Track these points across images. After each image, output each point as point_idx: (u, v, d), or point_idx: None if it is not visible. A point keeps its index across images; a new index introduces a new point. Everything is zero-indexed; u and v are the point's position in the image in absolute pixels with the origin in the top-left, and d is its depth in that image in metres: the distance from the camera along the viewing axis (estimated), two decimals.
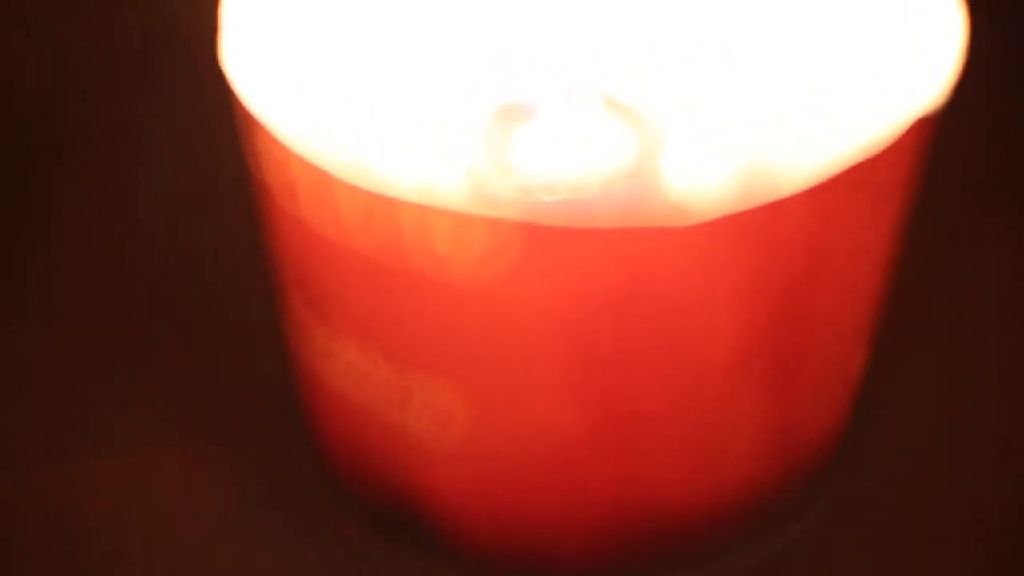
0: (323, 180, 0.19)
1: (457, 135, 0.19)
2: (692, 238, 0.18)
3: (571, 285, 0.19)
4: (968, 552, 0.23)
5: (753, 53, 0.20)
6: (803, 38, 0.20)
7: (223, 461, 0.25)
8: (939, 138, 0.31)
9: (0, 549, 0.23)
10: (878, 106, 0.19)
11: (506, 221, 0.18)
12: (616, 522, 0.22)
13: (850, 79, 0.20)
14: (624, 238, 0.18)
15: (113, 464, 0.25)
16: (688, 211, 0.18)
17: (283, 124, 0.19)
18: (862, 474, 0.24)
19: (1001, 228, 0.29)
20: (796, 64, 0.20)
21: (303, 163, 0.19)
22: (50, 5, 0.34)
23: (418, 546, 0.23)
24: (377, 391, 0.21)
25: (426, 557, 0.23)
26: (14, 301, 0.27)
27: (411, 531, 0.22)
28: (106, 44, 0.33)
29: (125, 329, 0.27)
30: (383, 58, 0.20)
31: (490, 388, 0.20)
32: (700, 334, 0.20)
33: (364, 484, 0.23)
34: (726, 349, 0.20)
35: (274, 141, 0.19)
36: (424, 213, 0.18)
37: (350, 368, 0.21)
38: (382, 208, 0.19)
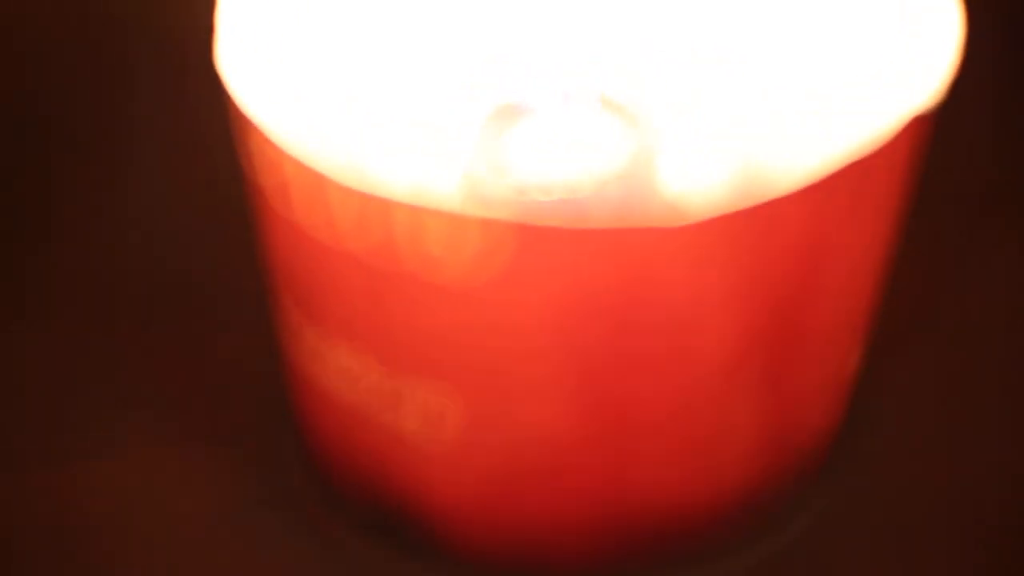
0: (317, 182, 0.19)
1: (452, 136, 0.19)
2: (688, 238, 0.18)
3: (566, 286, 0.19)
4: (966, 553, 0.23)
5: (749, 51, 0.20)
6: (799, 38, 0.20)
7: (215, 462, 0.25)
8: (937, 138, 0.31)
9: (4, 549, 0.23)
10: (874, 105, 0.19)
11: (501, 222, 0.18)
12: (611, 524, 0.22)
13: (846, 78, 0.20)
14: (619, 238, 0.18)
15: (106, 464, 0.25)
16: (684, 211, 0.18)
17: (277, 126, 0.19)
18: (857, 475, 0.24)
19: (999, 228, 0.29)
20: (792, 64, 0.20)
21: (297, 165, 0.19)
22: (47, 6, 0.34)
23: (411, 549, 0.23)
24: (369, 394, 0.21)
25: (419, 560, 0.23)
26: (12, 301, 0.27)
27: (404, 534, 0.22)
28: (102, 46, 0.33)
29: (119, 330, 0.27)
30: (378, 60, 0.20)
31: (484, 391, 0.20)
32: (696, 335, 0.20)
33: (357, 486, 0.23)
34: (722, 350, 0.20)
35: (268, 143, 0.19)
36: (418, 214, 0.18)
37: (342, 371, 0.21)
38: (376, 210, 0.19)
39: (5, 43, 0.33)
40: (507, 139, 0.19)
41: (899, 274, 0.28)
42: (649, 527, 0.22)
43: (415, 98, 0.20)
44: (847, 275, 0.20)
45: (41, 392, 0.26)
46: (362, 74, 0.20)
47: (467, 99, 0.20)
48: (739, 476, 0.22)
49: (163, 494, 0.24)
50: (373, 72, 0.20)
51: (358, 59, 0.20)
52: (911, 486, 0.24)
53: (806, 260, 0.20)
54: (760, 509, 0.22)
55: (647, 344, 0.19)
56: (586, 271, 0.19)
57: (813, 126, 0.19)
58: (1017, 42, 0.33)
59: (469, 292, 0.19)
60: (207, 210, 0.29)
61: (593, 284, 0.19)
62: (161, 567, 0.23)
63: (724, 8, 0.21)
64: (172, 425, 0.25)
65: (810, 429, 0.22)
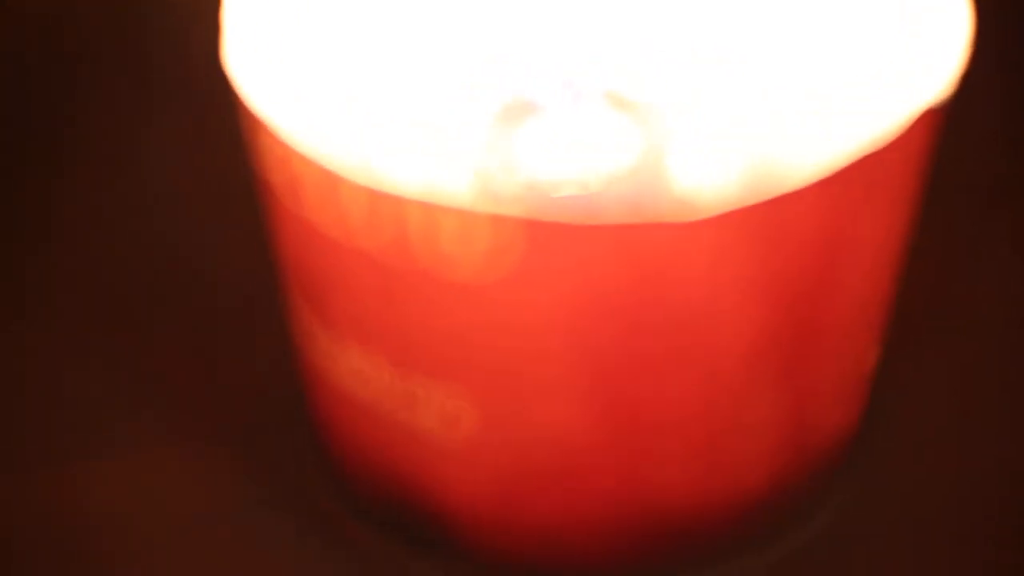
0: (328, 179, 0.19)
1: (462, 133, 0.19)
2: (700, 233, 0.18)
3: (579, 282, 0.19)
4: (983, 549, 0.23)
5: (757, 48, 0.20)
6: (809, 32, 0.20)
7: (229, 461, 0.25)
8: (949, 132, 0.31)
9: (4, 549, 0.23)
10: (885, 99, 0.19)
11: (512, 218, 0.18)
12: (627, 524, 0.22)
13: (857, 72, 0.20)
14: (631, 234, 0.18)
15: (118, 464, 0.25)
16: (696, 206, 0.18)
17: (286, 124, 0.19)
18: (876, 472, 0.24)
19: (1011, 222, 0.29)
20: (802, 58, 0.20)
21: (307, 162, 0.19)
22: (52, 5, 0.34)
23: (425, 547, 0.23)
24: (383, 394, 0.21)
25: (433, 558, 0.23)
26: (22, 299, 0.27)
27: (418, 532, 0.22)
28: (108, 44, 0.33)
29: (131, 329, 0.27)
30: (386, 57, 0.20)
31: (497, 391, 0.20)
32: (712, 332, 0.20)
33: (371, 485, 0.23)
34: (739, 347, 0.20)
35: (277, 141, 0.19)
36: (430, 211, 0.18)
37: (355, 371, 0.21)
38: (387, 207, 0.19)
39: (8, 42, 0.33)
40: (518, 135, 0.19)
41: (912, 269, 0.28)
42: (665, 526, 0.22)
43: (424, 95, 0.20)
44: (862, 270, 0.20)
45: (49, 390, 0.26)
46: (370, 71, 0.20)
47: (476, 96, 0.20)
48: (756, 474, 0.22)
49: (175, 493, 0.24)
50: (381, 69, 0.20)
51: (365, 56, 0.20)
52: (930, 482, 0.24)
53: (821, 255, 0.20)
54: (778, 507, 0.22)
55: (662, 342, 0.19)
56: (598, 267, 0.19)
57: (824, 120, 0.19)
58: None
59: (481, 289, 0.19)
60: (218, 209, 0.29)
61: (606, 280, 0.19)
62: (174, 566, 0.23)
63: (729, 5, 0.21)
64: (185, 424, 0.25)
65: (828, 426, 0.22)
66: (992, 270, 0.28)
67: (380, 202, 0.19)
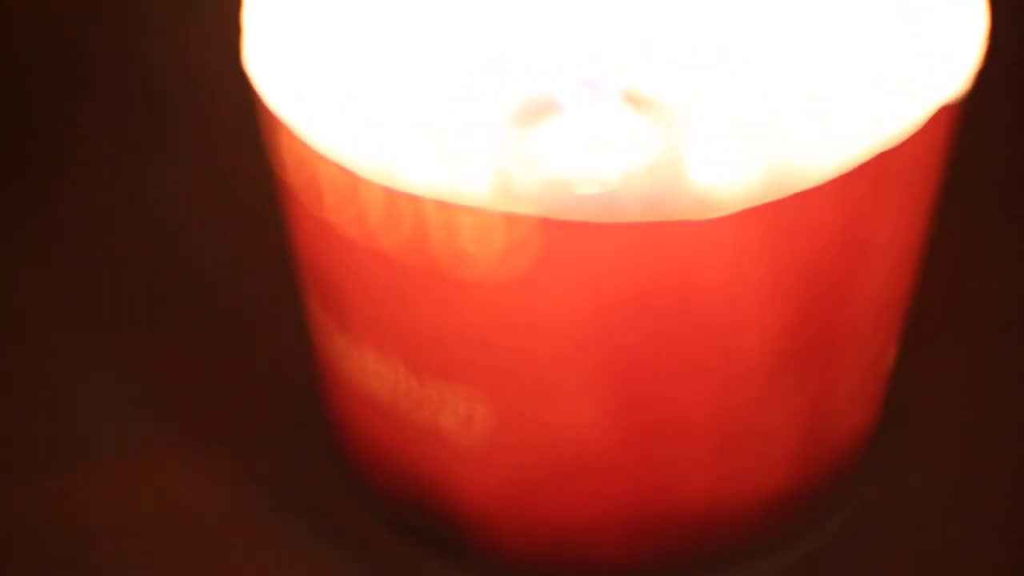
0: (346, 178, 0.19)
1: (480, 132, 0.19)
2: (719, 231, 0.18)
3: (596, 281, 0.19)
4: (1001, 549, 0.23)
5: (775, 47, 0.20)
6: (827, 30, 0.20)
7: (244, 461, 0.25)
8: (966, 128, 0.31)
9: (18, 551, 0.23)
10: (903, 95, 0.19)
11: (531, 217, 0.18)
12: (645, 525, 0.21)
13: (874, 69, 0.20)
14: (649, 232, 0.18)
15: (134, 464, 0.25)
16: (714, 203, 0.18)
17: (305, 124, 0.19)
18: (892, 473, 0.24)
19: None
20: (821, 55, 0.20)
21: (326, 162, 0.19)
22: (68, 4, 0.34)
23: (443, 548, 0.23)
24: (399, 396, 0.21)
25: (450, 559, 0.23)
26: (40, 297, 0.28)
27: (436, 533, 0.22)
28: (127, 45, 0.33)
29: (147, 329, 0.27)
30: (405, 57, 0.20)
31: (513, 391, 0.20)
32: (731, 331, 0.20)
33: (387, 485, 0.23)
34: (756, 346, 0.20)
35: (297, 140, 0.19)
36: (449, 210, 0.18)
37: (372, 374, 0.21)
38: (406, 206, 0.19)
39: (21, 39, 0.33)
40: (535, 134, 0.19)
41: (930, 267, 0.28)
42: (681, 527, 0.22)
43: (442, 94, 0.20)
44: (880, 268, 0.20)
45: (64, 392, 0.26)
46: (388, 71, 0.20)
47: (494, 95, 0.20)
48: (774, 474, 0.22)
49: (189, 493, 0.24)
50: (399, 69, 0.20)
51: (384, 57, 0.20)
52: (947, 482, 0.24)
53: (839, 253, 0.20)
54: (795, 507, 0.22)
55: (680, 341, 0.19)
56: (616, 265, 0.19)
57: (842, 117, 0.19)
58: None
59: (499, 289, 0.19)
60: (235, 210, 0.29)
61: (624, 279, 0.19)
62: (188, 567, 0.23)
63: (747, 4, 0.21)
64: (200, 424, 0.25)
65: (846, 426, 0.22)
66: (1010, 268, 0.28)
67: (398, 201, 0.19)
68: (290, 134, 0.20)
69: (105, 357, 0.27)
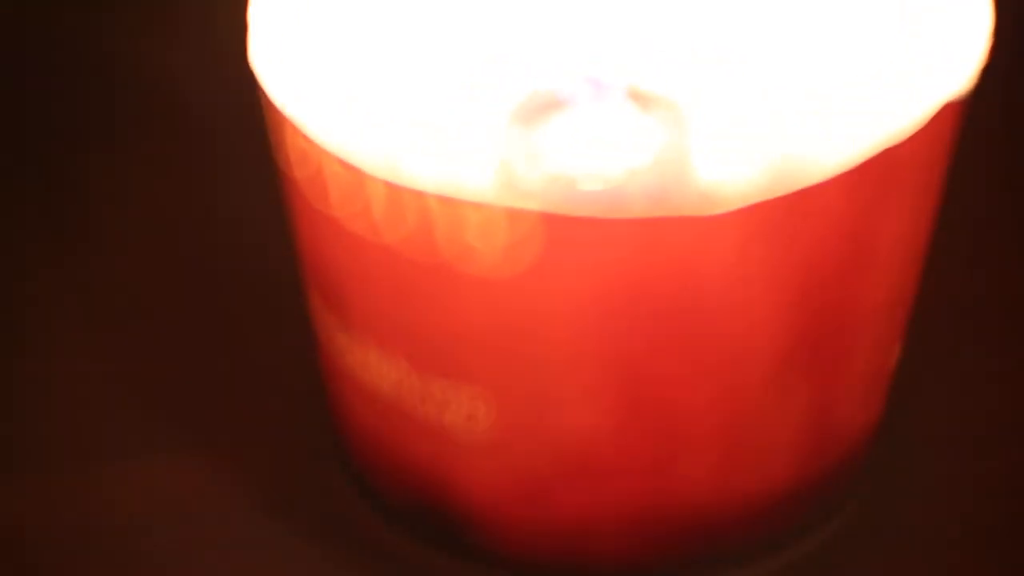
0: (351, 174, 0.19)
1: (484, 128, 0.19)
2: (723, 227, 0.18)
3: (601, 277, 0.19)
4: (1005, 547, 0.23)
5: (779, 44, 0.20)
6: (832, 27, 0.20)
7: (248, 459, 0.25)
8: (970, 126, 0.31)
9: (28, 552, 0.23)
10: (907, 91, 0.19)
11: (535, 212, 0.18)
12: (651, 522, 0.21)
13: (878, 66, 0.20)
14: (654, 228, 0.18)
15: (136, 464, 0.25)
16: (718, 199, 0.18)
17: (311, 119, 0.19)
18: (896, 471, 0.24)
19: None
20: (825, 53, 0.20)
21: (331, 157, 0.19)
22: (72, 3, 0.34)
23: (447, 545, 0.23)
24: (402, 393, 0.21)
25: (457, 557, 0.23)
26: (46, 298, 0.28)
27: (441, 531, 0.22)
28: (132, 42, 0.33)
29: (150, 326, 0.27)
30: (410, 53, 0.20)
31: (517, 388, 0.20)
32: (734, 328, 0.20)
33: (392, 483, 0.23)
34: (762, 343, 0.20)
35: (302, 136, 0.19)
36: (454, 205, 0.18)
37: (376, 372, 0.21)
38: (410, 201, 0.19)
39: (33, 37, 0.33)
40: (540, 130, 0.19)
41: (934, 265, 0.28)
42: (687, 524, 0.22)
43: (447, 90, 0.20)
44: (886, 264, 0.20)
45: (70, 391, 0.26)
46: (393, 67, 0.20)
47: (499, 91, 0.20)
48: (779, 472, 0.22)
49: (194, 493, 0.24)
50: (404, 65, 0.20)
51: (389, 53, 0.20)
52: (951, 480, 0.24)
53: (844, 249, 0.20)
54: (801, 505, 0.22)
55: (685, 338, 0.19)
56: (621, 261, 0.19)
57: (846, 114, 0.19)
58: None
59: (503, 284, 0.19)
60: (239, 206, 0.29)
61: (628, 274, 0.19)
62: (194, 567, 0.23)
63: (750, 2, 0.21)
64: (205, 423, 0.25)
65: (850, 424, 0.22)
66: (1015, 266, 0.28)
67: (403, 196, 0.19)
68: (295, 130, 0.20)
69: (107, 355, 0.27)
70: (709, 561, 0.22)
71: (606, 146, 0.19)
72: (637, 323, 0.19)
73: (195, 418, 0.25)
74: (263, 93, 0.21)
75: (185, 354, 0.26)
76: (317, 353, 0.24)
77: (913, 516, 0.23)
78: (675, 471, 0.21)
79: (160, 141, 0.31)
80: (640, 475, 0.21)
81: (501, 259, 0.19)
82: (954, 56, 0.20)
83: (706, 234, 0.18)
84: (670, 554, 0.22)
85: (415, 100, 0.19)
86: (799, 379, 0.21)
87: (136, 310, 0.27)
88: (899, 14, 0.21)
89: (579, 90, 0.20)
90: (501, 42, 0.20)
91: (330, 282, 0.21)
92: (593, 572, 0.22)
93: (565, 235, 0.18)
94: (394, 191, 0.19)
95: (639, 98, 0.19)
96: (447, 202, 0.18)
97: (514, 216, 0.18)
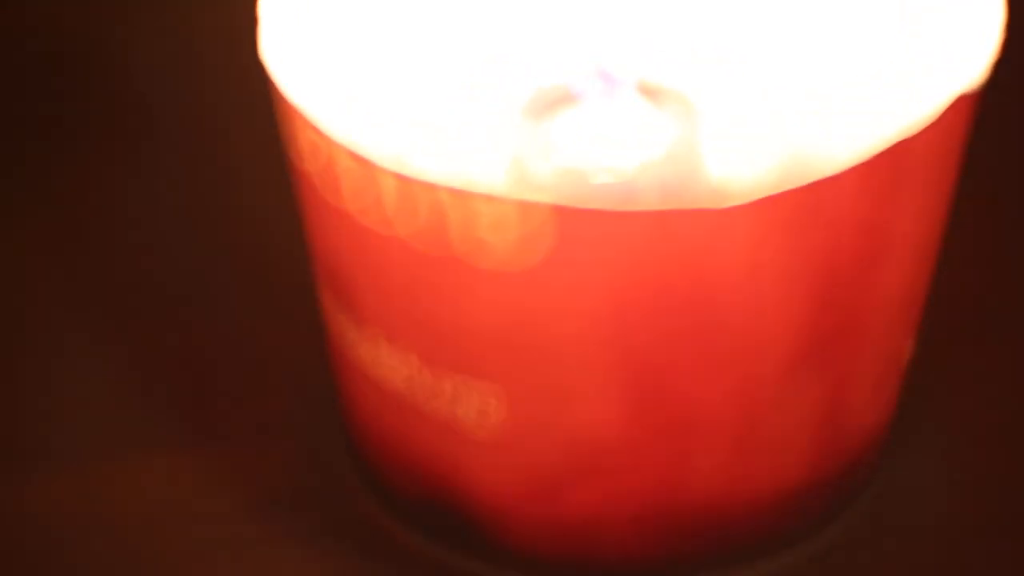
0: (363, 166, 0.19)
1: (497, 121, 0.19)
2: (735, 220, 0.18)
3: (613, 270, 0.19)
4: (1017, 546, 0.23)
5: (792, 37, 0.20)
6: (844, 20, 0.20)
7: (258, 456, 0.25)
8: (984, 119, 0.30)
9: (31, 552, 0.24)
10: (920, 85, 0.19)
11: (547, 205, 0.18)
12: (662, 519, 0.21)
13: (891, 59, 0.20)
14: (666, 221, 0.18)
15: (146, 461, 0.25)
16: (730, 192, 0.18)
17: (322, 113, 0.19)
18: (908, 468, 0.24)
19: None
20: (838, 45, 0.20)
21: (342, 149, 0.19)
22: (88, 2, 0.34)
23: (458, 542, 0.23)
24: (412, 389, 0.21)
25: (466, 554, 0.23)
26: (48, 295, 0.28)
27: (451, 528, 0.22)
28: (144, 35, 0.33)
29: (159, 322, 0.27)
30: (422, 45, 0.20)
31: (529, 384, 0.20)
32: (747, 323, 0.20)
33: (403, 480, 0.23)
34: (775, 337, 0.20)
35: (314, 129, 0.19)
36: (465, 198, 0.18)
37: (385, 367, 0.21)
38: (422, 193, 0.19)
39: (39, 32, 0.33)
40: (553, 123, 0.19)
41: (947, 260, 0.28)
42: (699, 522, 0.22)
43: (459, 83, 0.20)
44: (898, 259, 0.20)
45: (74, 386, 0.26)
46: (405, 60, 0.20)
47: (511, 84, 0.20)
48: (791, 469, 0.22)
49: (204, 490, 0.24)
50: (416, 58, 0.20)
51: (401, 45, 0.20)
52: (964, 478, 0.24)
53: (856, 243, 0.19)
54: (812, 503, 0.22)
55: (697, 332, 0.19)
56: (632, 254, 0.19)
57: (858, 107, 0.19)
58: None
59: (514, 278, 0.19)
60: (250, 201, 0.29)
61: (640, 268, 0.19)
62: (203, 565, 0.23)
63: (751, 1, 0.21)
64: (215, 419, 0.25)
65: (863, 420, 0.22)
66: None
67: (414, 189, 0.19)
68: (307, 123, 0.20)
69: (115, 351, 0.27)
70: (720, 558, 0.22)
71: (618, 140, 0.19)
72: (649, 317, 0.19)
73: (205, 415, 0.25)
74: (274, 87, 0.21)
75: (196, 350, 0.26)
76: (328, 349, 0.24)
77: (926, 514, 0.23)
78: (687, 468, 0.21)
79: (171, 136, 0.31)
80: (652, 471, 0.21)
81: (513, 252, 0.19)
82: (967, 49, 0.20)
83: (718, 227, 0.18)
84: (682, 551, 0.22)
85: (427, 93, 0.19)
86: (812, 374, 0.21)
87: (145, 307, 0.27)
88: (912, 7, 0.20)
89: (591, 84, 0.20)
90: (512, 37, 0.20)
91: (341, 277, 0.21)
92: (604, 569, 0.22)
93: (577, 228, 0.18)
94: (406, 184, 0.19)
95: (650, 92, 0.19)
96: (459, 195, 0.18)
97: (526, 209, 0.18)
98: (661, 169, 0.18)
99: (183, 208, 0.29)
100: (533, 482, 0.21)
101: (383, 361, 0.21)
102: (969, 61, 0.20)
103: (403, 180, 0.19)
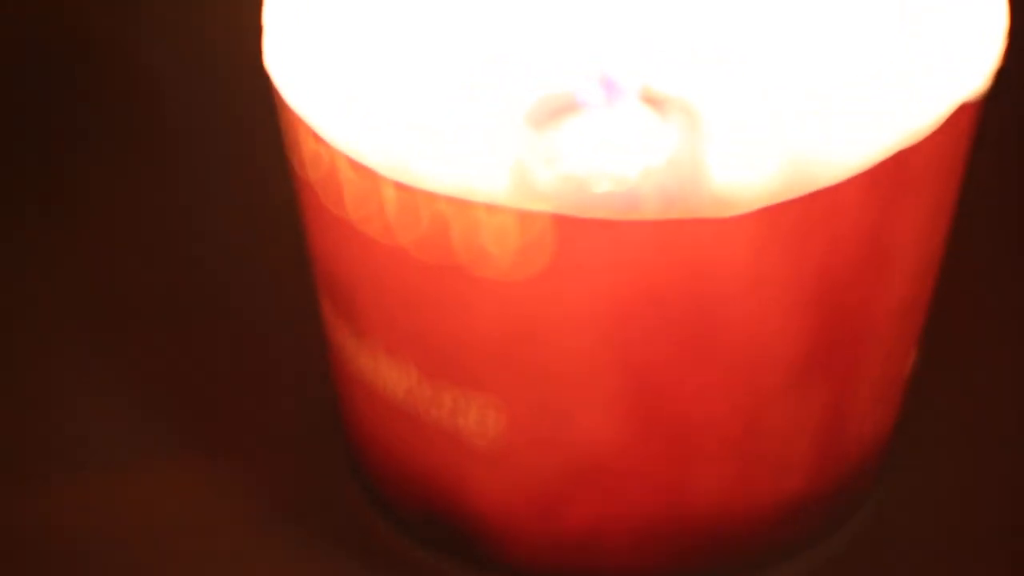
0: (365, 175, 0.19)
1: (499, 129, 0.19)
2: (738, 229, 0.18)
3: (615, 279, 0.19)
4: (1020, 555, 0.23)
5: (794, 44, 0.20)
6: (846, 28, 0.20)
7: (259, 466, 0.25)
8: (986, 127, 0.30)
9: (31, 562, 0.23)
10: (923, 93, 0.19)
11: (549, 214, 0.18)
12: (663, 530, 0.21)
13: (893, 67, 0.20)
14: (669, 230, 0.18)
15: (146, 473, 0.25)
16: (733, 201, 0.18)
17: (325, 121, 0.19)
18: (910, 478, 0.24)
19: None
20: (840, 53, 0.20)
21: (345, 158, 0.19)
22: (88, 2, 0.34)
23: (458, 552, 0.23)
24: (412, 400, 0.21)
25: (466, 563, 0.23)
26: (52, 302, 0.28)
27: (452, 538, 0.22)
28: (147, 43, 0.33)
29: (160, 332, 0.27)
30: (423, 55, 0.20)
31: (529, 395, 0.20)
32: (749, 332, 0.19)
33: (403, 489, 0.23)
34: (777, 347, 0.20)
35: (316, 137, 0.19)
36: (467, 207, 0.18)
37: (385, 378, 0.21)
38: (424, 202, 0.19)
39: (45, 36, 0.33)
40: (554, 132, 0.19)
41: (949, 270, 0.28)
42: (701, 532, 0.22)
43: (460, 91, 0.20)
44: (902, 268, 0.20)
45: (76, 397, 0.26)
46: (407, 69, 0.20)
47: (513, 93, 0.20)
48: (793, 479, 0.21)
49: (204, 500, 0.24)
50: (418, 67, 0.20)
51: (403, 55, 0.20)
52: (965, 487, 0.24)
53: (860, 252, 0.19)
54: (814, 512, 0.22)
55: (699, 342, 0.19)
56: (634, 263, 0.19)
57: (861, 115, 0.19)
58: None
59: (516, 287, 0.19)
60: (252, 210, 0.29)
61: (642, 277, 0.19)
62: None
63: (760, 3, 0.21)
64: (216, 429, 0.25)
65: (865, 430, 0.22)
66: None
67: (416, 198, 0.19)
68: (309, 131, 0.20)
69: (116, 362, 0.27)
70: (722, 570, 0.22)
71: (620, 148, 0.19)
72: (651, 326, 0.19)
73: (204, 425, 0.25)
74: (277, 95, 0.21)
75: (197, 362, 0.26)
76: (328, 359, 0.24)
77: (928, 522, 0.23)
78: (688, 479, 0.21)
79: (173, 142, 0.31)
80: (653, 484, 0.21)
81: (514, 261, 0.19)
82: (969, 57, 0.20)
83: (720, 236, 0.18)
84: (683, 563, 0.22)
85: (429, 102, 0.19)
86: (814, 384, 0.21)
87: (144, 315, 0.27)
88: (913, 15, 0.20)
89: (593, 92, 0.20)
90: (513, 45, 0.20)
91: (341, 287, 0.21)
92: None
93: (579, 237, 0.18)
94: (407, 193, 0.19)
95: (653, 100, 0.19)
96: (460, 204, 0.18)
97: (528, 218, 0.18)
98: (663, 177, 0.18)
99: (185, 219, 0.29)
100: (534, 495, 0.21)
101: (383, 373, 0.21)
102: (970, 61, 0.20)
103: (405, 189, 0.19)
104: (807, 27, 0.20)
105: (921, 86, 0.19)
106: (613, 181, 0.18)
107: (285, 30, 0.21)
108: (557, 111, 0.19)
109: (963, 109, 0.19)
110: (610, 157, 0.19)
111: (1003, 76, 0.31)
